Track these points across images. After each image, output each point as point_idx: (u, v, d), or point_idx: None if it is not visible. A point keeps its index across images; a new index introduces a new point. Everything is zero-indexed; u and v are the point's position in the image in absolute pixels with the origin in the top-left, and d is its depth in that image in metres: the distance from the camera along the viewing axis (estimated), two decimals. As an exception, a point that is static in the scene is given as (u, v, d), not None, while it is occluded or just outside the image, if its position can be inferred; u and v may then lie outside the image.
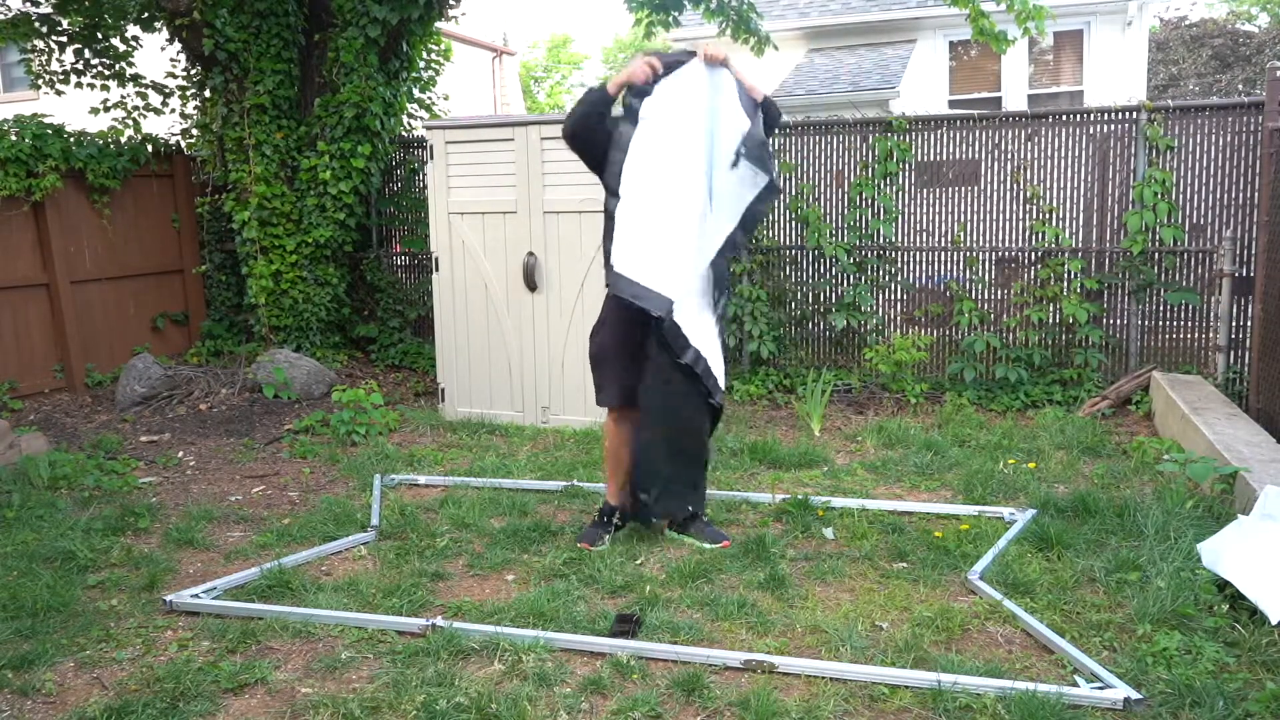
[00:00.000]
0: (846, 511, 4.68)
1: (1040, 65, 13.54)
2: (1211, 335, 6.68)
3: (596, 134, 4.19)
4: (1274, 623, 3.24)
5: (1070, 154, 6.97)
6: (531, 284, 6.55)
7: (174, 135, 8.83)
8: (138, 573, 4.21)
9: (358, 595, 3.89)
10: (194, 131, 8.64)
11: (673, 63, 4.21)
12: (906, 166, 7.28)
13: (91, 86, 8.91)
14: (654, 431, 4.25)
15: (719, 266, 4.28)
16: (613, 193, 4.17)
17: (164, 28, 8.32)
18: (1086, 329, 6.84)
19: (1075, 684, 3.04)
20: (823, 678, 3.15)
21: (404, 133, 8.71)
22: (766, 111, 4.27)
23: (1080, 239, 7.00)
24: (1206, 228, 6.71)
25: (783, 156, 7.50)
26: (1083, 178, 6.97)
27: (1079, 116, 7.05)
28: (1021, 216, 7.08)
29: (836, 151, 7.43)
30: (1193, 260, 6.73)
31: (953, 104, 13.24)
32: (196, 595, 3.88)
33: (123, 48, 8.96)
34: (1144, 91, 13.23)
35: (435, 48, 9.01)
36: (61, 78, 8.94)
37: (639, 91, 4.16)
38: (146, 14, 8.46)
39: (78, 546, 4.41)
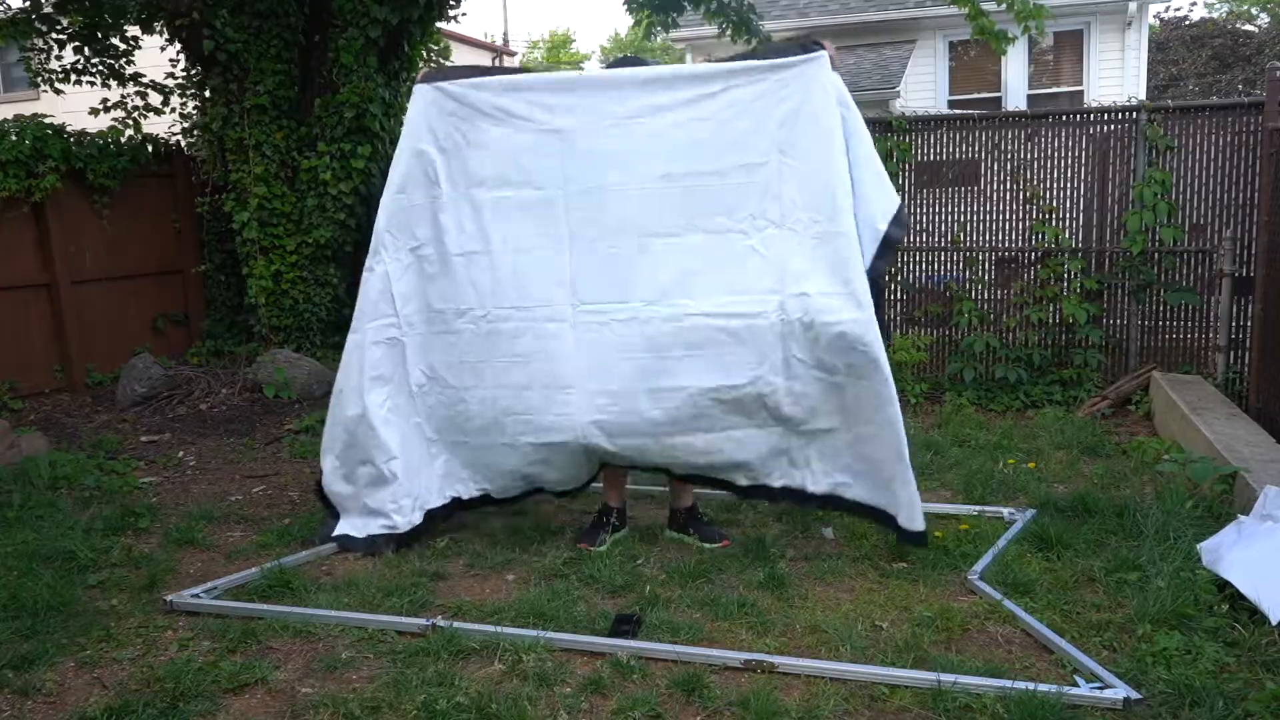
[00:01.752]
0: (846, 511, 4.67)
1: (1040, 65, 13.54)
2: (1211, 335, 6.68)
3: None
4: (1274, 623, 3.24)
5: (1070, 154, 6.97)
6: (531, 284, 6.52)
7: (174, 135, 8.83)
8: (138, 573, 4.21)
9: (358, 595, 3.89)
10: (194, 131, 8.64)
11: None
12: (906, 166, 7.27)
13: (91, 84, 8.90)
14: None
15: None
16: None
17: (164, 28, 8.31)
18: (1086, 329, 6.84)
19: (1075, 684, 3.04)
20: (823, 677, 3.15)
21: (404, 133, 8.71)
22: None
23: (1080, 239, 7.00)
24: (1206, 228, 6.72)
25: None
26: (1083, 178, 6.97)
27: (1079, 117, 7.05)
28: (1021, 216, 7.08)
29: (836, 151, 7.42)
30: (1193, 260, 6.73)
31: (952, 104, 13.23)
32: (197, 595, 3.88)
33: (123, 47, 8.95)
34: (1144, 91, 13.22)
35: (435, 48, 9.01)
36: (61, 77, 8.93)
37: None
38: (146, 14, 8.46)
39: (78, 546, 4.41)
